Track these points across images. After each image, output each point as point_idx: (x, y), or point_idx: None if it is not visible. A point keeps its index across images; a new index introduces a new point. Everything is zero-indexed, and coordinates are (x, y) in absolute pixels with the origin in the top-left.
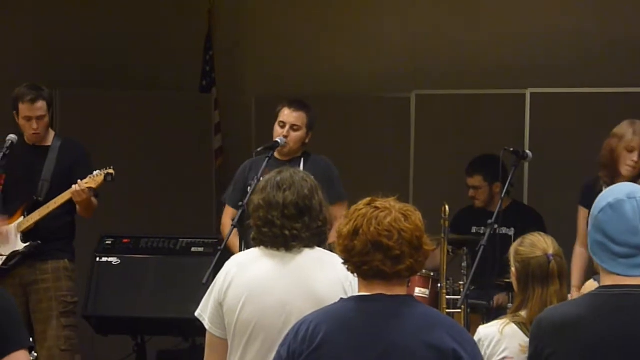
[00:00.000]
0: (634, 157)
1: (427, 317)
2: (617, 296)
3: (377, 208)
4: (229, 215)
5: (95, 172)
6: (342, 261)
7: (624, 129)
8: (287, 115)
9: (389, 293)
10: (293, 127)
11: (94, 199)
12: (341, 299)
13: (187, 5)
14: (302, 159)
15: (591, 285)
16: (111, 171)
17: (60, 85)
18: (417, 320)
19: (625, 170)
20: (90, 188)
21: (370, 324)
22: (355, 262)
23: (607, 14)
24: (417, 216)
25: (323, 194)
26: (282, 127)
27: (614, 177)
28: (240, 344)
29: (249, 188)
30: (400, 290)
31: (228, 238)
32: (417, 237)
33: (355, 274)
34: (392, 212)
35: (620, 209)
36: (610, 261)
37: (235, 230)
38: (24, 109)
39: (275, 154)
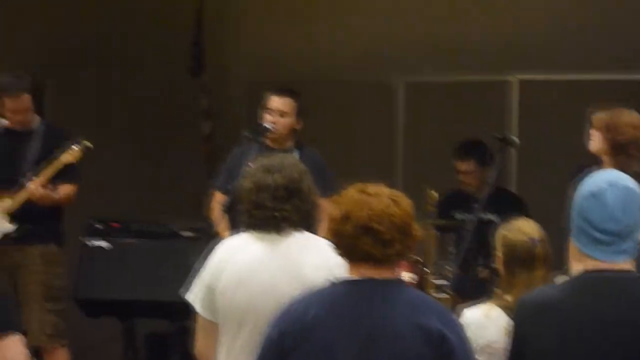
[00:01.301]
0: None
1: (416, 300)
2: (599, 280)
3: (368, 194)
4: (217, 200)
5: (73, 146)
6: (332, 245)
7: None
8: (274, 101)
9: (378, 277)
10: (280, 114)
11: (69, 187)
12: (330, 282)
13: None
14: (298, 151)
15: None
16: (87, 143)
17: (49, 71)
18: (405, 303)
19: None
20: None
21: (359, 306)
22: (345, 245)
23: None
24: (406, 202)
25: (316, 186)
26: (270, 114)
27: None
28: (232, 327)
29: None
30: (389, 274)
31: (218, 223)
32: (406, 222)
33: (345, 258)
34: (382, 197)
35: (602, 197)
36: (592, 246)
37: (224, 214)
38: (8, 102)
39: (268, 142)
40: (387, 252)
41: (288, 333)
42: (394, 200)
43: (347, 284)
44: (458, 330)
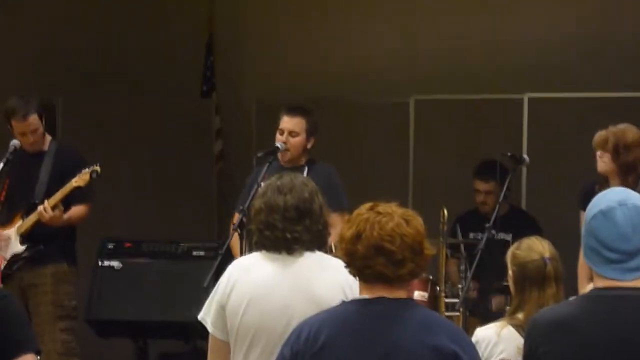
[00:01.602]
0: (598, 152)
1: (428, 320)
2: (610, 298)
3: (379, 213)
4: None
5: (83, 171)
6: (344, 264)
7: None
8: (285, 122)
9: (390, 296)
10: (291, 134)
11: (82, 208)
12: (343, 301)
13: (188, 11)
14: (307, 167)
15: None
16: (96, 168)
17: (61, 91)
18: (418, 323)
19: (598, 166)
20: (78, 187)
21: (372, 326)
22: (357, 265)
23: (606, 18)
24: (418, 221)
25: (327, 201)
26: (281, 134)
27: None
28: (243, 346)
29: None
30: (401, 294)
31: (229, 242)
32: (418, 241)
33: (357, 278)
34: (394, 217)
35: (612, 216)
36: (603, 266)
37: (236, 234)
38: (17, 125)
39: (280, 162)
40: (399, 272)
41: (301, 353)
42: (405, 220)
43: (359, 303)
44: (470, 349)
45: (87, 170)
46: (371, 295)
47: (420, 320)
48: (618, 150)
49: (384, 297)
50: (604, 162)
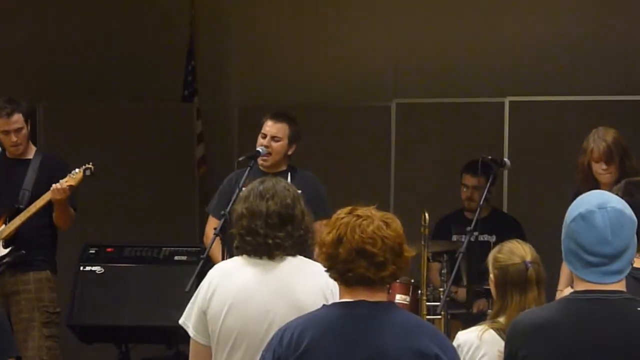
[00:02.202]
0: (602, 165)
1: (410, 323)
2: (590, 301)
3: (359, 216)
4: (212, 225)
5: (73, 171)
6: (325, 269)
7: (587, 142)
8: (269, 126)
9: (371, 299)
10: (274, 138)
11: (71, 210)
12: (324, 305)
13: (169, 15)
14: (289, 173)
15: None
16: (89, 166)
17: (43, 97)
18: (400, 326)
19: (602, 178)
20: (70, 186)
21: (354, 329)
22: (339, 269)
23: (587, 22)
24: (397, 223)
25: (309, 210)
26: (264, 137)
27: (597, 188)
28: (224, 351)
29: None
30: (382, 297)
31: (210, 247)
32: (398, 243)
33: (338, 281)
34: (374, 220)
35: (591, 220)
36: (583, 269)
37: (217, 239)
38: (0, 123)
39: (260, 167)
40: (381, 274)
41: (283, 357)
42: (385, 222)
43: (341, 306)
44: (451, 352)
45: (78, 169)
46: (352, 299)
47: (402, 324)
48: (623, 159)
49: (365, 301)
50: (610, 174)
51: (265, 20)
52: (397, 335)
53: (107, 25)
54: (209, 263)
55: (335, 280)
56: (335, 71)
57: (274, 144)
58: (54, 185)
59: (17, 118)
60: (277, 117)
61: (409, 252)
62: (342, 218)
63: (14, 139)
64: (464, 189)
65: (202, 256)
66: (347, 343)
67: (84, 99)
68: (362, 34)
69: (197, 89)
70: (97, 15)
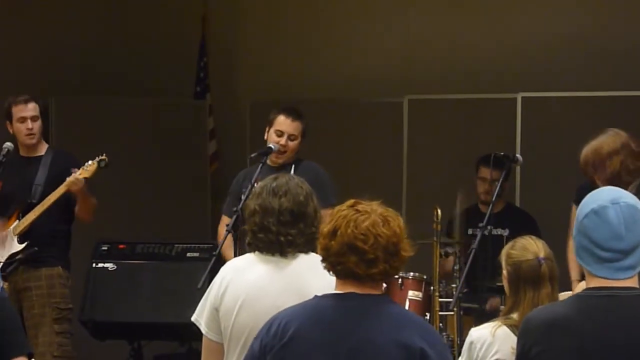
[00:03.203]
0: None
1: (398, 316)
2: (604, 298)
3: (358, 211)
4: (224, 224)
5: (87, 163)
6: (320, 259)
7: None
8: (286, 125)
9: (360, 292)
10: (290, 137)
11: (93, 199)
12: (315, 295)
13: (181, 11)
14: (293, 165)
15: (583, 286)
16: (103, 157)
17: (55, 92)
18: (387, 319)
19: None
20: (85, 178)
21: (341, 320)
22: (331, 261)
23: (600, 18)
24: (397, 222)
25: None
26: (279, 135)
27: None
28: (237, 347)
29: (242, 196)
30: (372, 291)
31: (223, 243)
32: (393, 242)
33: (331, 273)
34: (371, 216)
35: (604, 215)
36: (596, 265)
37: (229, 236)
38: (17, 110)
39: (268, 161)
40: (370, 271)
41: (269, 345)
42: (383, 220)
43: (332, 297)
44: (439, 347)
45: (92, 161)
46: (343, 291)
47: (389, 316)
48: (620, 175)
49: (355, 293)
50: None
51: (278, 17)
52: (382, 327)
53: (121, 22)
54: (221, 260)
55: (328, 271)
56: (347, 67)
57: (291, 143)
58: (68, 178)
59: (34, 106)
60: (292, 114)
61: (407, 251)
62: (342, 210)
63: (30, 125)
64: (481, 182)
65: (214, 253)
66: (333, 333)
67: (96, 95)
68: (374, 30)
69: (209, 85)
70: (110, 11)
